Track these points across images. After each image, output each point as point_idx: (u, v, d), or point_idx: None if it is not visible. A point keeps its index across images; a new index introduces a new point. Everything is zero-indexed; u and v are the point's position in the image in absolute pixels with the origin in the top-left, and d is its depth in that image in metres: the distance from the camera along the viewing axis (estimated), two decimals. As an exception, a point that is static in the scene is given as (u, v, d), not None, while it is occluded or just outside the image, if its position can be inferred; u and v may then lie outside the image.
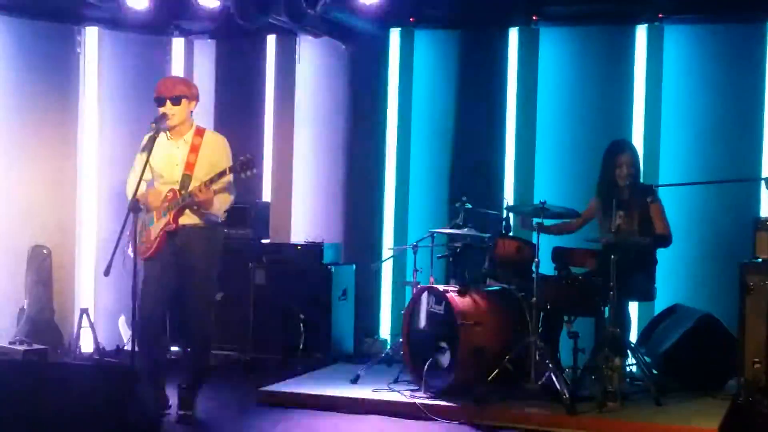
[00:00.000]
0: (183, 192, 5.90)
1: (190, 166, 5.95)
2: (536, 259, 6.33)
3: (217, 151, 6.02)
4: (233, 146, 6.06)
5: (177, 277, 6.00)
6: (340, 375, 7.00)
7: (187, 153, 5.98)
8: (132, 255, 5.78)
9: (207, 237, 6.05)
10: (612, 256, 6.12)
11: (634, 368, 6.68)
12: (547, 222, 6.67)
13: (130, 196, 5.82)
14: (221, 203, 5.99)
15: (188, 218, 5.97)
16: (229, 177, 5.88)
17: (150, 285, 5.94)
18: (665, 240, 6.61)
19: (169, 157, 5.97)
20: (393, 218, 8.32)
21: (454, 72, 8.31)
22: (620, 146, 6.78)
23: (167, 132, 5.97)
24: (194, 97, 6.06)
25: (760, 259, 6.52)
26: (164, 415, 6.01)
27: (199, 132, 6.05)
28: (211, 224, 6.06)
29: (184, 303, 6.11)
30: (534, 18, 7.94)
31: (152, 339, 6.06)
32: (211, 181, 5.80)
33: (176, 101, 5.94)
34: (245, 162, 5.76)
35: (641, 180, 6.91)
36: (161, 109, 5.93)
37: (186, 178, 5.94)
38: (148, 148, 5.82)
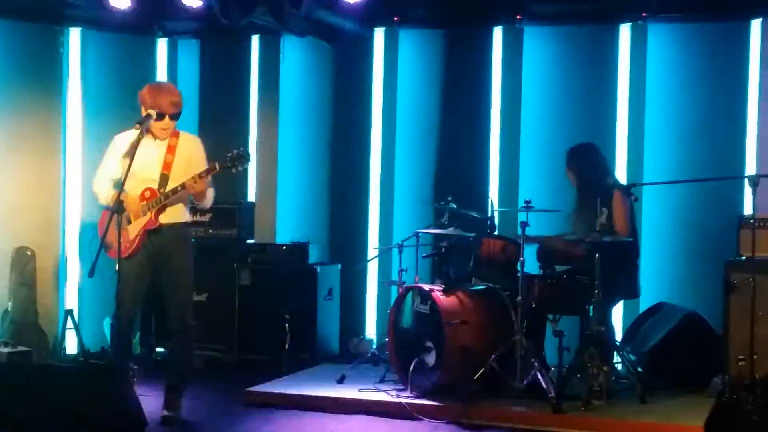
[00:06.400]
0: (162, 190, 5.99)
1: (167, 165, 6.07)
2: (521, 258, 6.34)
3: (193, 151, 6.17)
4: (218, 146, 6.19)
5: (153, 275, 6.09)
6: (326, 375, 7.00)
7: (165, 153, 6.09)
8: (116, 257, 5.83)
9: (184, 235, 6.20)
10: (596, 255, 6.13)
11: (619, 366, 6.68)
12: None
13: (102, 195, 6.07)
14: (210, 196, 6.17)
15: (168, 217, 6.07)
16: (219, 171, 5.97)
17: (127, 284, 5.90)
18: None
19: (146, 156, 6.01)
20: (378, 218, 8.33)
21: (438, 71, 8.32)
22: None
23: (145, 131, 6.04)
24: None
25: (744, 257, 6.55)
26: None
27: (175, 133, 6.17)
28: (184, 223, 6.20)
29: (166, 303, 6.14)
30: (518, 17, 7.94)
31: (128, 338, 6.22)
32: (200, 175, 5.91)
33: (177, 117, 6.11)
34: (236, 157, 5.94)
35: (615, 178, 6.91)
36: (161, 123, 5.99)
37: (164, 177, 6.04)
38: (133, 150, 5.86)
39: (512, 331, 6.28)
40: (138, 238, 6.00)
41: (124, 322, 5.99)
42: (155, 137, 6.06)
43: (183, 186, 5.94)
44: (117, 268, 5.74)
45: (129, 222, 6.02)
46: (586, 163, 6.80)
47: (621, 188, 6.60)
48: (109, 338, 7.90)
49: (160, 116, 6.00)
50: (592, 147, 6.89)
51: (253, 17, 7.58)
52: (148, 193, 6.02)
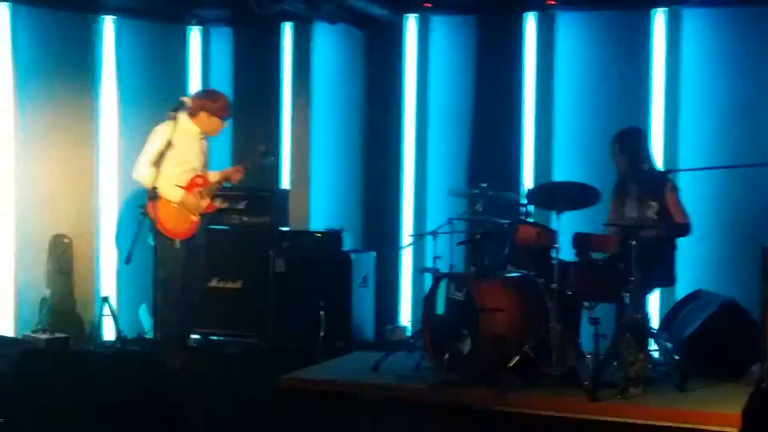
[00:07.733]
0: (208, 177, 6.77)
1: (204, 154, 6.78)
2: (556, 245, 6.31)
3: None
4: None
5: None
6: (361, 362, 6.99)
7: (202, 142, 6.78)
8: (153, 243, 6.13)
9: None
10: (632, 242, 6.10)
11: (656, 354, 6.65)
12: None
13: (148, 179, 6.44)
14: None
15: None
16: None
17: (178, 265, 6.62)
18: (684, 228, 6.59)
19: (192, 146, 6.63)
20: (412, 205, 8.32)
21: (471, 57, 8.28)
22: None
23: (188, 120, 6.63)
24: None
25: (782, 243, 6.49)
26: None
27: None
28: None
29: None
30: (551, 2, 7.89)
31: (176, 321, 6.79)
32: (245, 167, 6.92)
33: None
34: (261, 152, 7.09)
35: (656, 166, 6.88)
36: (221, 125, 6.81)
37: (205, 166, 6.81)
38: (169, 135, 6.39)
39: (547, 318, 6.25)
40: (197, 221, 6.67)
41: (175, 303, 6.59)
42: (205, 132, 6.70)
43: (226, 176, 6.84)
44: (167, 250, 6.44)
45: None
46: (641, 148, 6.76)
47: (670, 180, 6.59)
48: (145, 325, 7.97)
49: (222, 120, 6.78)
50: (643, 132, 6.89)
51: (284, 5, 7.59)
52: (200, 180, 6.67)
